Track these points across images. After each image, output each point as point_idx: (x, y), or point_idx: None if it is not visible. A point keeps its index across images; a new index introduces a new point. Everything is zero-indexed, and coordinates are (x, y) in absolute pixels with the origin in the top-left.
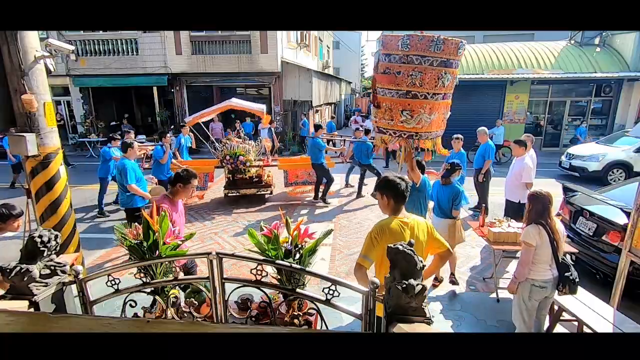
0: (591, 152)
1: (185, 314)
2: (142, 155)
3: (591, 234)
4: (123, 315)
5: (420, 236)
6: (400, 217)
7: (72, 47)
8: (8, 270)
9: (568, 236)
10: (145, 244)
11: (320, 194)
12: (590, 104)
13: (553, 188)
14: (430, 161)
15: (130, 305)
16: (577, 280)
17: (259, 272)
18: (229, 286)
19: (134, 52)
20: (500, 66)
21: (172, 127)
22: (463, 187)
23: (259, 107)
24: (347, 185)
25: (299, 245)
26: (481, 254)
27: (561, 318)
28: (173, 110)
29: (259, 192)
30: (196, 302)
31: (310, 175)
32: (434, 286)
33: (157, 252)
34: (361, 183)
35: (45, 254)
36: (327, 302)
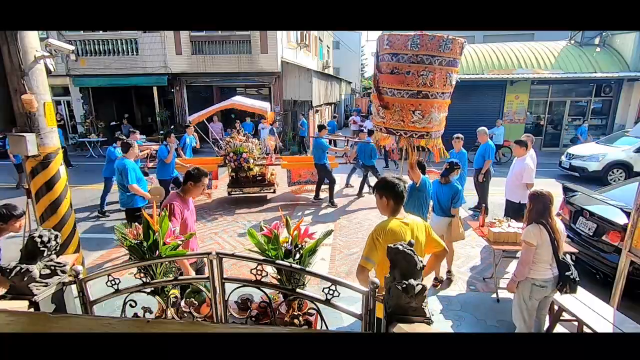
0: (591, 152)
1: (185, 314)
2: (147, 155)
3: (591, 234)
4: (123, 315)
5: (420, 236)
6: (399, 218)
7: (72, 47)
8: (8, 270)
9: (568, 236)
10: (145, 244)
11: (322, 195)
12: (590, 104)
13: (553, 188)
14: (433, 161)
15: (130, 305)
16: (578, 279)
17: (259, 272)
18: (229, 286)
19: (134, 52)
20: (500, 66)
21: (172, 127)
22: (464, 187)
23: (262, 106)
24: (347, 185)
25: (299, 245)
26: (481, 254)
27: (561, 318)
28: (173, 110)
29: (262, 191)
30: (196, 302)
31: (314, 175)
32: (434, 286)
33: (157, 252)
34: (363, 183)
35: (45, 254)
36: (327, 302)
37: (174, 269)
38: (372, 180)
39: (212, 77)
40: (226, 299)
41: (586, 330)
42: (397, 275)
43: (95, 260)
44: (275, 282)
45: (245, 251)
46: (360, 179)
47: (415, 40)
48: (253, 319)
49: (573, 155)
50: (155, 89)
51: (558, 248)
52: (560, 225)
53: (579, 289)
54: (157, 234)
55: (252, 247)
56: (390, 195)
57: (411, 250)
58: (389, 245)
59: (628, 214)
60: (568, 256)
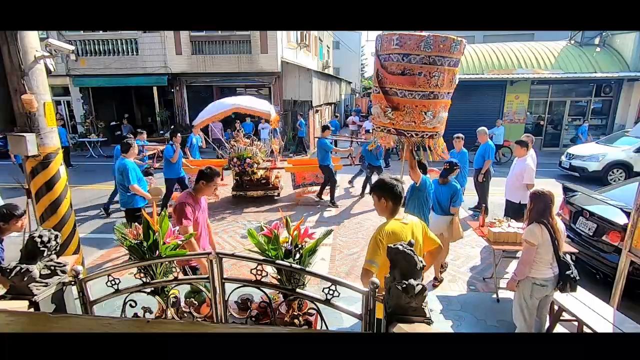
0: (591, 152)
1: (185, 314)
2: (154, 155)
3: (591, 234)
4: (123, 315)
5: (418, 236)
6: (399, 219)
7: (72, 47)
8: (8, 270)
9: (568, 236)
10: (145, 244)
11: (324, 197)
12: (590, 104)
13: (553, 188)
14: (433, 160)
15: (130, 305)
16: (578, 278)
17: (259, 272)
18: (229, 286)
19: (134, 52)
20: (500, 66)
21: (173, 127)
22: (464, 187)
23: (266, 109)
24: (350, 182)
25: (299, 245)
26: (481, 254)
27: (561, 318)
28: (173, 110)
29: (266, 194)
30: (196, 302)
31: (318, 177)
32: (434, 286)
33: (157, 252)
34: (365, 184)
35: (45, 254)
36: (327, 302)
37: (174, 269)
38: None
39: (212, 77)
40: (226, 299)
41: (586, 330)
42: (397, 275)
43: (95, 260)
44: (275, 282)
45: (245, 251)
46: (364, 179)
47: (428, 41)
48: (253, 319)
49: (573, 155)
50: (155, 89)
51: (559, 247)
52: (560, 225)
53: (579, 289)
54: (157, 234)
55: (252, 247)
56: (388, 196)
57: (411, 250)
58: (389, 245)
59: (628, 214)
60: (568, 256)
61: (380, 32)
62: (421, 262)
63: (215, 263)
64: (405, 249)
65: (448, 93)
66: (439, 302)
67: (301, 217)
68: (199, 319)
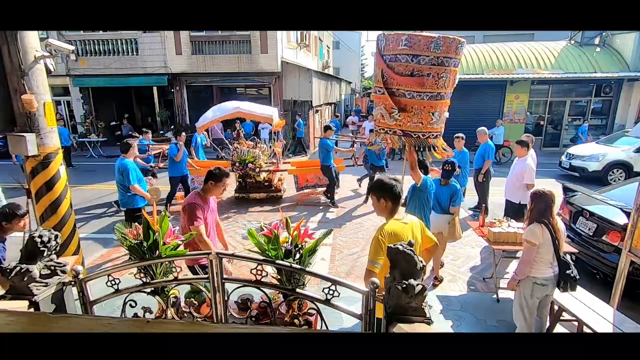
0: (591, 152)
1: (185, 314)
2: (159, 154)
3: (591, 234)
4: (123, 315)
5: (417, 235)
6: (399, 219)
7: (72, 47)
8: (8, 270)
9: (568, 236)
10: (145, 244)
11: (323, 198)
12: (590, 104)
13: (553, 188)
14: (433, 160)
15: (130, 305)
16: (578, 277)
17: (259, 272)
18: (229, 286)
19: (134, 52)
20: (500, 66)
21: (172, 127)
22: (465, 187)
23: (268, 114)
24: (358, 180)
25: (299, 245)
26: (481, 254)
27: (561, 318)
28: (173, 110)
29: (269, 196)
30: (196, 302)
31: (321, 179)
32: (434, 285)
33: (157, 252)
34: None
35: (45, 254)
36: (327, 302)
37: (174, 268)
38: None
39: (212, 77)
40: (226, 299)
41: (586, 330)
42: (397, 275)
43: (95, 260)
44: (275, 282)
45: (245, 251)
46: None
47: (438, 42)
48: (253, 319)
49: (573, 155)
50: (155, 89)
51: (559, 247)
52: (560, 225)
53: (579, 289)
54: (157, 234)
55: (252, 247)
56: (388, 196)
57: (411, 250)
58: (389, 245)
59: (628, 214)
60: (568, 256)
61: (383, 32)
62: (421, 262)
63: (215, 263)
64: (405, 249)
65: (450, 93)
66: (439, 302)
67: (301, 218)
68: (199, 319)
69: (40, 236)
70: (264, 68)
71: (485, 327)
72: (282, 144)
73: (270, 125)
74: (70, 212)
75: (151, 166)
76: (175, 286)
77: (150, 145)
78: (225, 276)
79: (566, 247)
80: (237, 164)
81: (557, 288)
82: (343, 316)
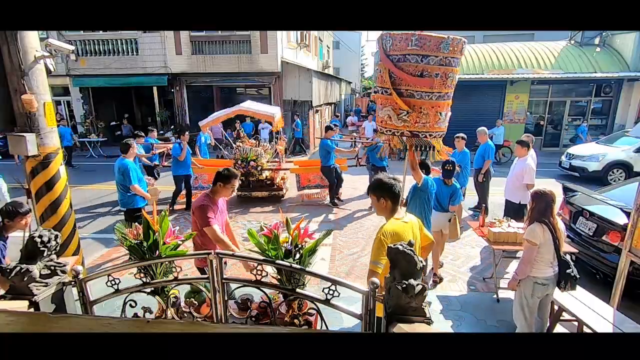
0: (591, 152)
1: (185, 314)
2: (163, 153)
3: (591, 234)
4: (123, 315)
5: (417, 234)
6: (399, 218)
7: (72, 47)
8: (8, 270)
9: (568, 236)
10: (145, 244)
11: (328, 199)
12: (590, 104)
13: (553, 188)
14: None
15: (130, 305)
16: (578, 277)
17: (259, 272)
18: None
19: (134, 52)
20: (500, 66)
21: (172, 127)
22: (466, 187)
23: (270, 112)
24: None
25: (299, 245)
26: (481, 254)
27: (561, 318)
28: (173, 110)
29: (271, 195)
30: (196, 302)
31: (323, 180)
32: (434, 282)
33: (157, 252)
34: None
35: (45, 254)
36: (327, 302)
37: (174, 268)
38: None
39: (212, 77)
40: (226, 299)
41: (586, 330)
42: (397, 275)
43: (95, 260)
44: (275, 282)
45: (245, 251)
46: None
47: (447, 43)
48: (253, 319)
49: (573, 155)
50: (155, 89)
51: (559, 246)
52: (560, 224)
53: (579, 288)
54: (157, 234)
55: (252, 247)
56: (388, 195)
57: (411, 250)
58: (389, 245)
59: (628, 214)
60: (568, 256)
61: (388, 32)
62: (421, 262)
63: (215, 263)
64: (405, 249)
65: (452, 93)
66: (439, 302)
67: (302, 218)
68: (199, 319)
69: (40, 236)
70: (264, 68)
71: (485, 327)
72: (285, 142)
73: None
74: (70, 212)
75: (155, 165)
76: (175, 286)
77: (155, 144)
78: (225, 276)
79: (566, 247)
80: (239, 162)
81: (557, 288)
82: (343, 316)
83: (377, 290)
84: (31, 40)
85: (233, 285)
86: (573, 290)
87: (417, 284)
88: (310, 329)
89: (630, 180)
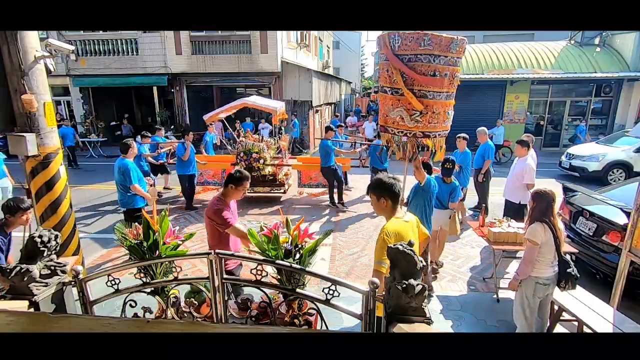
0: (591, 152)
1: (185, 314)
2: (168, 152)
3: (591, 234)
4: (123, 315)
5: (416, 232)
6: (400, 217)
7: (72, 47)
8: (8, 270)
9: (568, 236)
10: (145, 244)
11: (336, 200)
12: (590, 104)
13: (553, 188)
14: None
15: (130, 305)
16: (578, 276)
17: (259, 272)
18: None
19: (134, 52)
20: (500, 66)
21: (172, 127)
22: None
23: (273, 106)
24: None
25: (299, 245)
26: (481, 254)
27: (561, 318)
28: (173, 110)
29: (272, 191)
30: (196, 302)
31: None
32: (434, 272)
33: (157, 252)
34: None
35: (45, 254)
36: (327, 302)
37: (174, 269)
38: None
39: (212, 77)
40: (226, 299)
41: (586, 330)
42: (397, 275)
43: (95, 260)
44: (275, 282)
45: (245, 251)
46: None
47: (457, 43)
48: (253, 319)
49: (573, 155)
50: (155, 89)
51: (560, 246)
52: (560, 224)
53: (579, 288)
54: (157, 234)
55: (252, 247)
56: (388, 195)
57: (411, 250)
58: (389, 245)
59: (628, 214)
60: (568, 256)
61: (397, 32)
62: (421, 261)
63: (215, 263)
64: (406, 249)
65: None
66: (439, 302)
67: (301, 217)
68: (199, 319)
69: (40, 236)
70: (264, 68)
71: (485, 327)
72: (289, 138)
73: (270, 125)
74: (70, 212)
75: (161, 163)
76: (175, 286)
77: (160, 143)
78: (225, 276)
79: (566, 247)
80: (241, 154)
81: (557, 287)
82: (343, 316)
83: (377, 290)
84: (31, 40)
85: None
86: (573, 289)
87: (417, 284)
88: (310, 329)
89: (630, 180)
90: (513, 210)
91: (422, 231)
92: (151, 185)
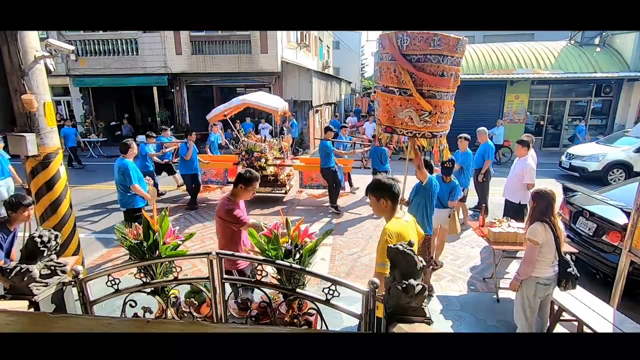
0: (591, 152)
1: (185, 314)
2: (173, 151)
3: (591, 234)
4: (123, 315)
5: (416, 233)
6: (399, 217)
7: (72, 47)
8: (8, 270)
9: (568, 236)
10: (145, 244)
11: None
12: (590, 104)
13: (553, 188)
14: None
15: (130, 305)
16: (578, 276)
17: (259, 272)
18: (229, 286)
19: (134, 52)
20: (500, 66)
21: (172, 127)
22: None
23: (275, 106)
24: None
25: (299, 245)
26: (481, 254)
27: (561, 318)
28: (173, 110)
29: (273, 191)
30: (196, 302)
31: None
32: (433, 269)
33: (157, 252)
34: None
35: (45, 254)
36: (327, 302)
37: (174, 269)
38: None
39: (212, 77)
40: (226, 299)
41: (586, 330)
42: (397, 275)
43: (95, 260)
44: (275, 282)
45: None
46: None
47: (461, 43)
48: (253, 319)
49: (573, 155)
50: (155, 89)
51: (560, 245)
52: (560, 224)
53: (579, 288)
54: (157, 234)
55: (252, 247)
56: (387, 195)
57: (411, 250)
58: (389, 245)
59: (628, 214)
60: (567, 256)
61: (405, 31)
62: (421, 261)
63: (216, 263)
64: (405, 249)
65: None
66: (439, 302)
67: (301, 218)
68: (199, 319)
69: (40, 236)
70: (264, 68)
71: (485, 327)
72: (291, 139)
73: (270, 125)
74: (70, 212)
75: (165, 162)
76: (175, 286)
77: (164, 143)
78: (225, 276)
79: (566, 247)
80: (243, 153)
81: (557, 287)
82: (343, 316)
83: (377, 290)
84: (31, 40)
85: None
86: (573, 289)
87: (417, 284)
88: (310, 329)
89: (630, 180)
90: (513, 210)
91: (418, 230)
92: (154, 185)
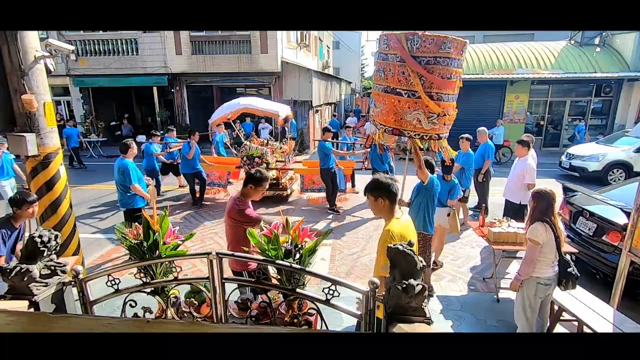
0: (591, 152)
1: (185, 314)
2: (178, 151)
3: (591, 234)
4: (123, 315)
5: (415, 232)
6: (398, 218)
7: (72, 47)
8: (8, 270)
9: (568, 236)
10: (145, 244)
11: (338, 204)
12: (590, 104)
13: (553, 188)
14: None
15: (130, 305)
16: (578, 276)
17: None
18: (229, 286)
19: (134, 52)
20: (500, 66)
21: (172, 127)
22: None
23: (275, 110)
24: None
25: (299, 245)
26: (481, 254)
27: (561, 318)
28: (173, 110)
29: (275, 195)
30: (196, 302)
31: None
32: (433, 269)
33: (157, 252)
34: None
35: (45, 254)
36: (327, 302)
37: (174, 269)
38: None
39: (212, 77)
40: (226, 299)
41: (586, 330)
42: (397, 275)
43: (95, 260)
44: (275, 282)
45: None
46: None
47: (465, 47)
48: (253, 319)
49: (573, 155)
50: (155, 89)
51: (560, 245)
52: (560, 224)
53: (579, 288)
54: (157, 234)
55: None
56: (386, 195)
57: (411, 250)
58: (389, 245)
59: (628, 214)
60: (568, 256)
61: (415, 32)
62: (421, 261)
63: (216, 263)
64: (405, 249)
65: None
66: (439, 302)
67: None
68: (199, 319)
69: (40, 236)
70: (264, 68)
71: (485, 327)
72: (294, 142)
73: (270, 125)
74: (70, 212)
75: (171, 162)
76: (175, 286)
77: (169, 143)
78: (225, 276)
79: (566, 247)
80: (244, 158)
81: (557, 287)
82: (343, 316)
83: (377, 290)
84: (31, 40)
85: (233, 285)
86: (573, 289)
87: (417, 284)
88: (310, 329)
89: (630, 180)
90: (513, 210)
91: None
92: (156, 185)
